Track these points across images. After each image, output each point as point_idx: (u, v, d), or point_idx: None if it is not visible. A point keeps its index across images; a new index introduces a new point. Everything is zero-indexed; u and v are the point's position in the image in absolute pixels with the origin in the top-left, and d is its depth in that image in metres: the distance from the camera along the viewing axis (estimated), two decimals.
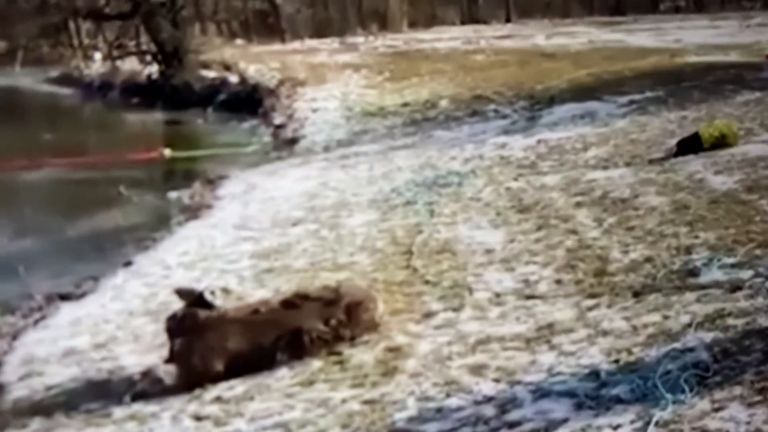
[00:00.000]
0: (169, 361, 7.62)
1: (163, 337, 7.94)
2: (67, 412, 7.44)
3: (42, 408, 7.63)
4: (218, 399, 7.17)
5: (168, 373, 7.51)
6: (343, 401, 6.70)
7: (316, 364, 7.38)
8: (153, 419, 7.09)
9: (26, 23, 40.83)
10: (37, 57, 44.65)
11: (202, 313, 7.70)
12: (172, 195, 16.73)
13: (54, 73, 46.03)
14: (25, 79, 44.96)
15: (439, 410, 6.24)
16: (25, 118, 34.42)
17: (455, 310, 8.06)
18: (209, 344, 7.49)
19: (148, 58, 39.28)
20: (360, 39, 42.07)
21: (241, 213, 13.77)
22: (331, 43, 41.85)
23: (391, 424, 6.21)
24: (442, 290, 8.60)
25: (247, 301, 8.33)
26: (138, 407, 7.30)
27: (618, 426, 5.50)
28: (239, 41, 47.08)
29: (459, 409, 6.20)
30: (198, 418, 6.94)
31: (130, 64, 40.93)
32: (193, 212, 14.68)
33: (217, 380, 7.38)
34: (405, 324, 7.86)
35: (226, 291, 8.10)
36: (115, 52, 42.61)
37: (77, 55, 45.89)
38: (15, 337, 9.66)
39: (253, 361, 7.41)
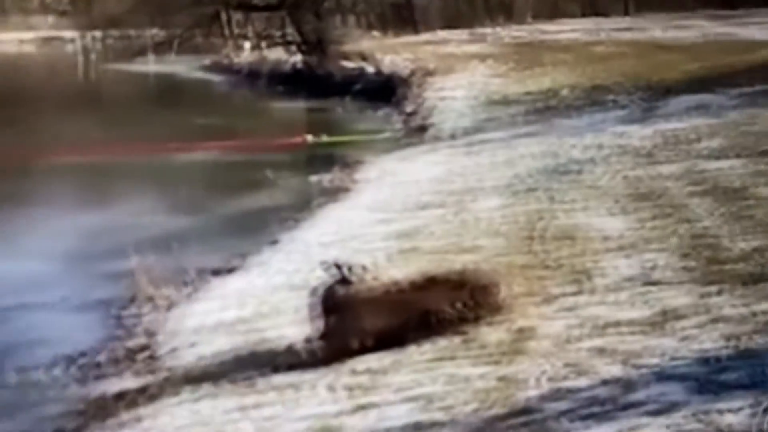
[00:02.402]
0: (313, 336, 7.59)
1: (305, 312, 7.88)
2: (215, 381, 7.45)
3: (193, 377, 7.66)
4: (354, 371, 7.09)
5: (308, 348, 7.51)
6: (478, 377, 6.53)
7: (444, 343, 7.29)
8: (293, 390, 7.06)
9: (182, 14, 41.41)
10: (192, 45, 45.13)
11: (341, 291, 7.65)
12: (314, 178, 16.81)
13: (206, 61, 46.67)
14: (180, 66, 45.59)
15: (567, 390, 6.07)
16: (180, 103, 34.97)
17: (575, 294, 7.88)
18: (347, 323, 7.47)
19: (293, 48, 39.59)
20: (488, 30, 41.75)
21: (375, 196, 13.77)
22: (461, 34, 41.62)
23: (524, 400, 6.05)
24: (562, 275, 8.42)
25: (381, 281, 8.27)
26: (280, 379, 7.29)
27: (738, 409, 5.28)
28: (375, 33, 47.15)
29: (585, 389, 6.02)
30: (344, 388, 6.84)
31: (276, 54, 41.28)
32: (332, 195, 14.73)
33: (353, 356, 7.34)
34: (527, 307, 7.71)
35: (365, 269, 8.01)
36: (263, 42, 43.00)
37: (228, 44, 46.30)
38: (169, 309, 9.78)
39: (385, 340, 7.37)
